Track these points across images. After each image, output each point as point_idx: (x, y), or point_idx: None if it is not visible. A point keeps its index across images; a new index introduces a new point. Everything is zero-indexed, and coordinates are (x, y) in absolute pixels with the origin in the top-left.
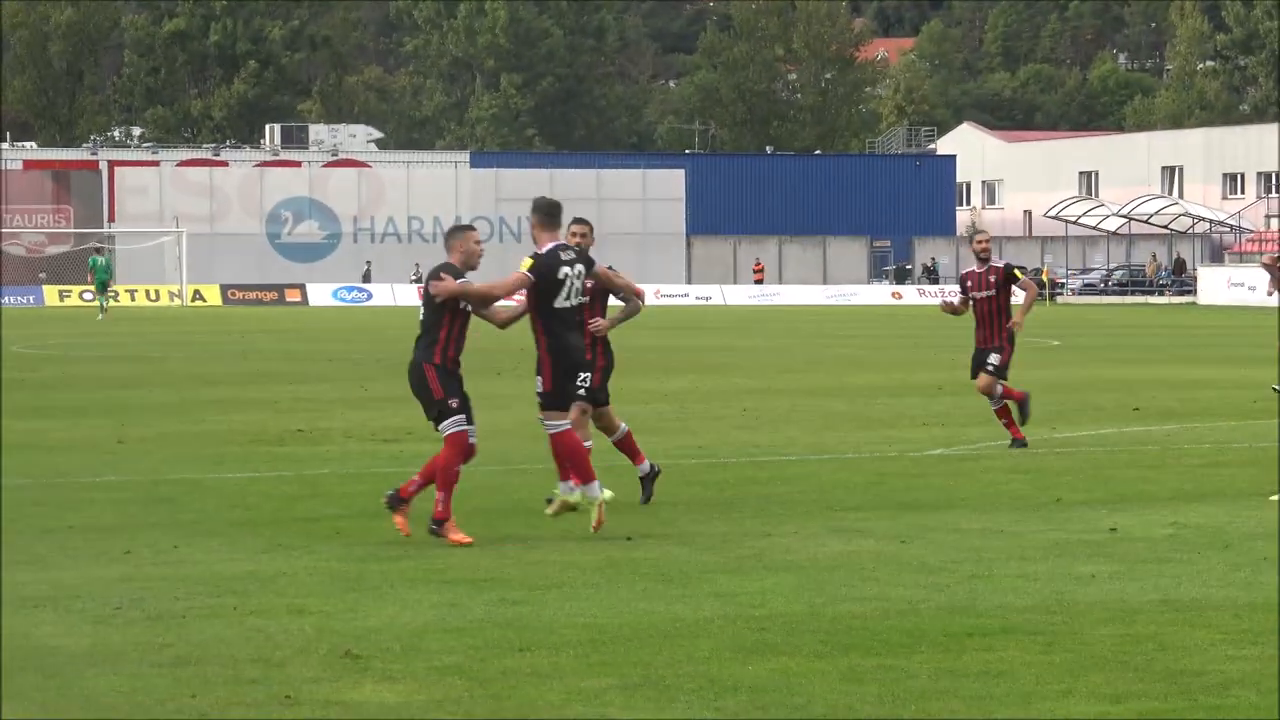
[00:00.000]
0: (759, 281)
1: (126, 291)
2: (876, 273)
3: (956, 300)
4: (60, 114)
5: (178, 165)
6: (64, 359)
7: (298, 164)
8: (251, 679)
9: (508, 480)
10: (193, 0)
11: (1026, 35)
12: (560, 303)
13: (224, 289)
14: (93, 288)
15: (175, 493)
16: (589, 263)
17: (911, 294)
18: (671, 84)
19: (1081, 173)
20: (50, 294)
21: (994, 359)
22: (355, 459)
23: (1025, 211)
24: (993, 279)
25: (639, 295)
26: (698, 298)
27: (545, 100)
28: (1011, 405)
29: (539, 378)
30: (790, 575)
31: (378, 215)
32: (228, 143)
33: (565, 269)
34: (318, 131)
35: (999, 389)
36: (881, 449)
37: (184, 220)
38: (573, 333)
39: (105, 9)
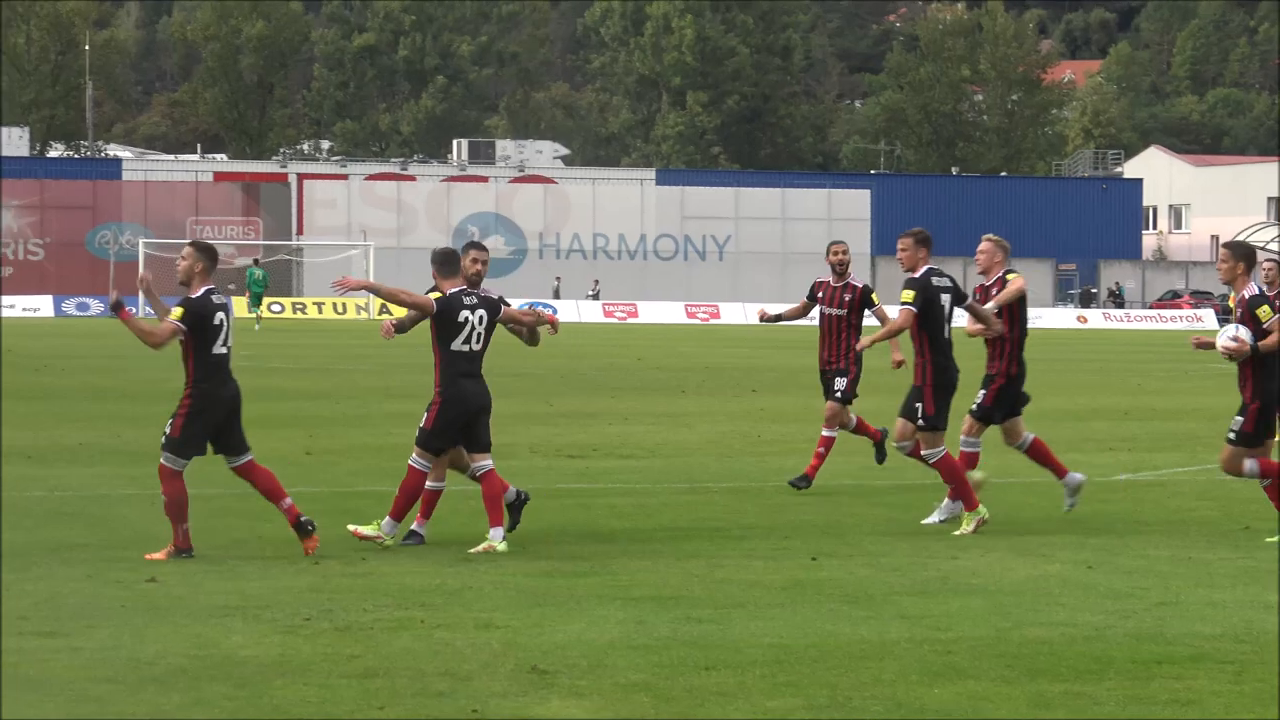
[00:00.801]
0: None
1: (314, 304)
2: (1062, 296)
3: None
4: (250, 127)
5: (366, 179)
6: (254, 370)
7: (484, 179)
8: (439, 692)
9: (693, 499)
10: (382, 15)
11: (1215, 59)
12: (458, 345)
13: None
14: (248, 299)
15: (362, 505)
16: (494, 308)
17: (1096, 318)
18: (857, 104)
19: (1270, 198)
20: (240, 305)
21: (840, 384)
22: (541, 474)
23: (1212, 236)
24: (848, 298)
25: (551, 322)
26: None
27: (731, 118)
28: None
29: (425, 414)
30: (976, 598)
31: (563, 231)
32: (415, 157)
33: (466, 312)
34: (504, 147)
35: (851, 419)
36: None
37: (371, 234)
38: (469, 379)
39: (296, 23)
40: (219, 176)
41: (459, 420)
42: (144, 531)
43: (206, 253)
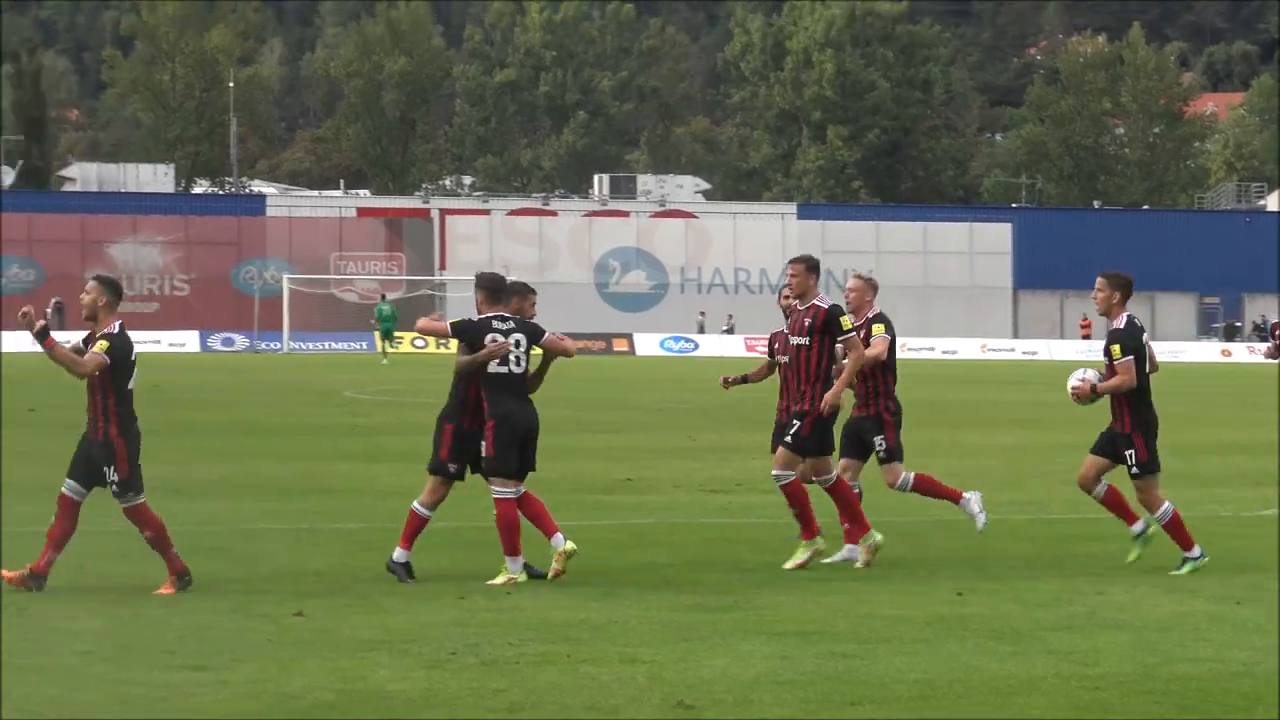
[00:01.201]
0: (1085, 337)
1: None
2: (1205, 329)
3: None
4: (393, 162)
5: (508, 214)
6: (395, 404)
7: (626, 214)
8: None
9: (836, 533)
10: (523, 51)
11: None
12: (495, 368)
13: None
14: (378, 334)
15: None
16: (533, 333)
17: (1241, 352)
18: (998, 137)
19: None
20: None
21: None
22: (684, 509)
23: None
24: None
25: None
26: (1024, 352)
27: (872, 152)
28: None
29: (483, 443)
30: (1123, 634)
31: (704, 266)
32: (557, 192)
33: (498, 336)
34: (645, 182)
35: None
36: (1212, 509)
37: (514, 269)
38: (515, 400)
39: (438, 59)
40: (362, 212)
41: (515, 440)
42: (289, 566)
43: (111, 287)
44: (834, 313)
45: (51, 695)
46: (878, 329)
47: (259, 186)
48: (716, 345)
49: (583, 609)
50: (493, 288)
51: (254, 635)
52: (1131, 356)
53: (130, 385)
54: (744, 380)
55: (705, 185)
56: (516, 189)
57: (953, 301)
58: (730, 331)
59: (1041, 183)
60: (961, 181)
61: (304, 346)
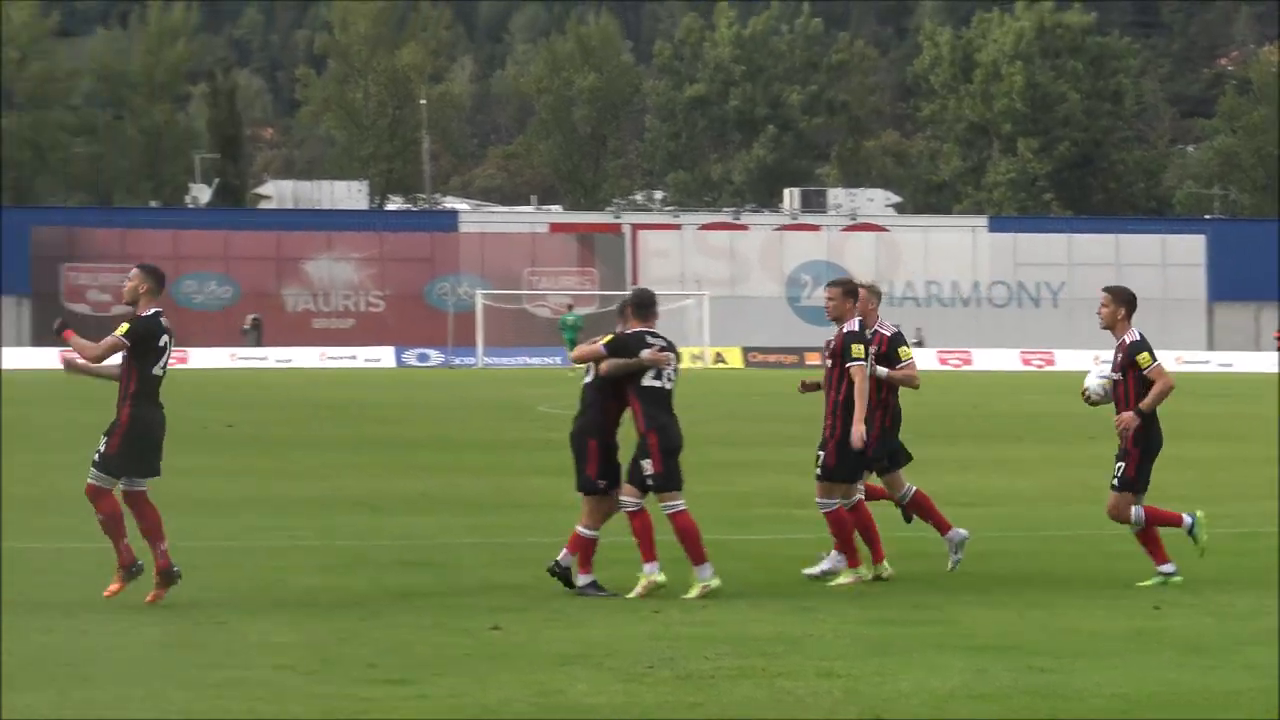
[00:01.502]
0: None
1: None
2: None
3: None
4: (584, 178)
5: (699, 229)
6: None
7: (816, 228)
8: None
9: (1033, 547)
10: (713, 66)
11: None
12: (650, 381)
13: (745, 351)
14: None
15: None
16: (675, 352)
17: None
18: (1190, 148)
19: None
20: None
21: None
22: (878, 522)
23: None
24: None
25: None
26: (1219, 365)
27: (1063, 164)
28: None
29: (647, 460)
30: None
31: (895, 279)
32: (748, 206)
33: (646, 351)
34: (836, 195)
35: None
36: None
37: (705, 283)
38: (665, 413)
39: (628, 75)
40: (554, 228)
41: (674, 454)
42: (487, 580)
43: (153, 275)
44: (895, 341)
45: (250, 708)
46: (905, 353)
47: (451, 203)
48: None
49: (778, 623)
50: (643, 303)
51: (453, 649)
52: (1160, 362)
53: (156, 370)
54: (818, 387)
55: (896, 198)
56: (707, 203)
57: (1145, 313)
58: (920, 344)
59: (1235, 194)
60: (1154, 193)
61: (498, 361)
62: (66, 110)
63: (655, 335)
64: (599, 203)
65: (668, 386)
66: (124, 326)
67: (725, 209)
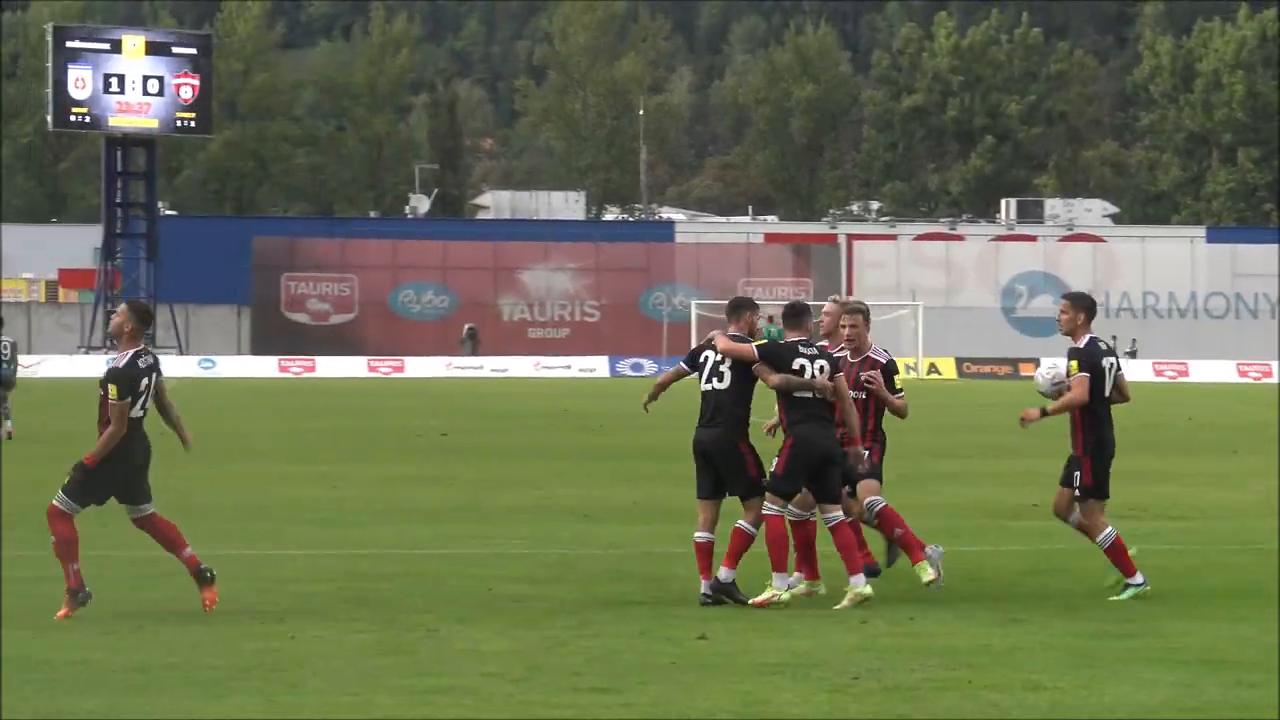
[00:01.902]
0: None
1: None
2: None
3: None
4: (801, 188)
5: (914, 239)
6: None
7: (1033, 239)
8: None
9: (1246, 560)
10: (930, 76)
11: None
12: (800, 392)
13: (958, 362)
14: None
15: (910, 565)
16: (835, 363)
17: None
18: None
19: None
20: None
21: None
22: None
23: None
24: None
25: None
26: None
27: None
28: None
29: (775, 459)
30: None
31: (1112, 289)
32: (964, 217)
33: (803, 361)
34: (1053, 206)
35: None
36: None
37: (920, 293)
38: (816, 423)
39: (845, 85)
40: (770, 238)
41: (810, 463)
42: (695, 589)
43: (139, 314)
44: (890, 369)
45: (456, 715)
46: (899, 382)
47: (668, 213)
48: (1145, 370)
49: (985, 635)
50: (795, 313)
51: (659, 658)
52: (1086, 374)
53: (136, 413)
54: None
55: (1113, 209)
56: (923, 214)
57: None
58: (1133, 355)
59: None
60: None
61: None
62: (289, 121)
63: (808, 344)
64: (815, 213)
65: (818, 396)
66: (113, 390)
67: (941, 219)
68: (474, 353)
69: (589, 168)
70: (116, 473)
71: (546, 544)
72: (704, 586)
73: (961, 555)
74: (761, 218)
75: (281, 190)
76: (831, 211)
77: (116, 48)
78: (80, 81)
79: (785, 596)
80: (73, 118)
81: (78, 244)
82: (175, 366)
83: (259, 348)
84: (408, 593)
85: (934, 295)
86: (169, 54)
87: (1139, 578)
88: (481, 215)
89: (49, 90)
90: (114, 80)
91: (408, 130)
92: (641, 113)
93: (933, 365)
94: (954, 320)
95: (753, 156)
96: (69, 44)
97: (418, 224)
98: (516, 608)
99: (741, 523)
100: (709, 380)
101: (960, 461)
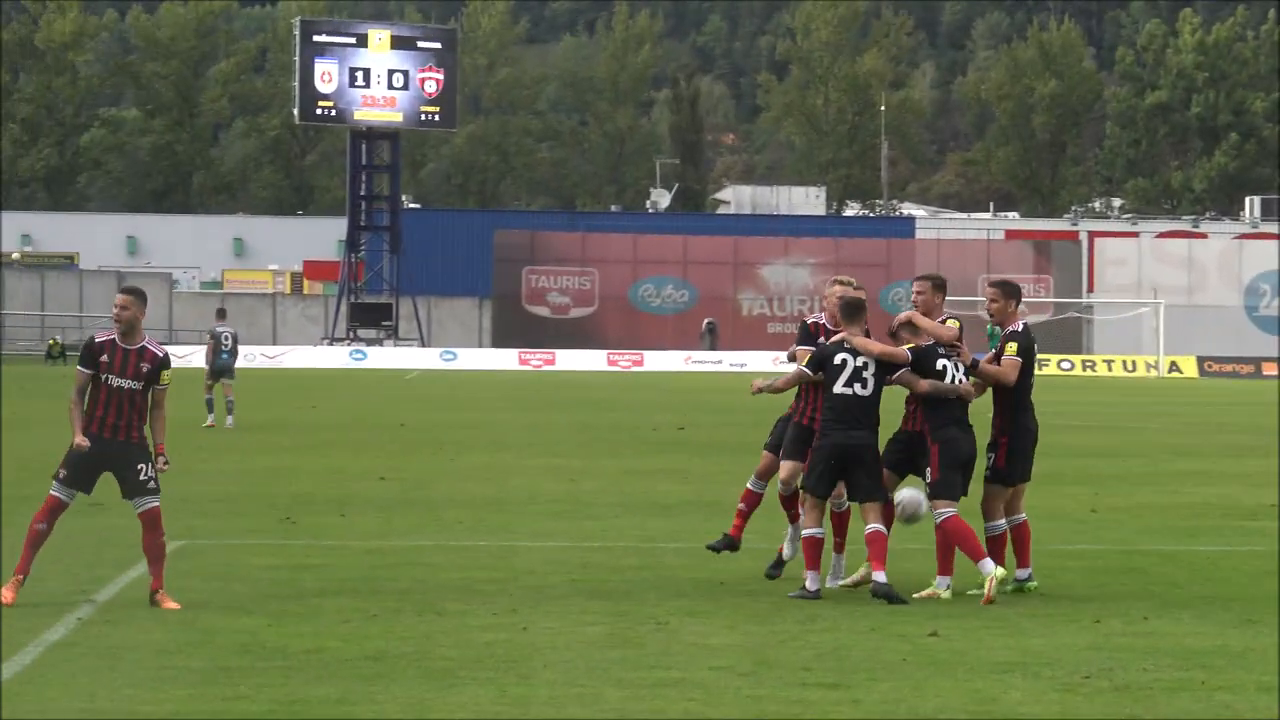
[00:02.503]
0: None
1: (1104, 361)
2: None
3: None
4: (1042, 184)
5: (1156, 237)
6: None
7: (1277, 237)
8: None
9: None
10: (1175, 72)
11: None
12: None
13: (1200, 360)
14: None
15: (1147, 564)
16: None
17: None
18: None
19: None
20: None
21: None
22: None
23: None
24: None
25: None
26: None
27: None
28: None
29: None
30: None
31: None
32: (1207, 214)
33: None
34: None
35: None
36: None
37: (1161, 292)
38: (954, 424)
39: (1089, 81)
40: (1010, 234)
41: (959, 463)
42: (927, 585)
43: (141, 299)
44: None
45: (684, 708)
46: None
47: (909, 209)
48: None
49: (1220, 635)
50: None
51: (889, 654)
52: (1020, 359)
53: (837, 389)
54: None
55: None
56: (1166, 211)
57: None
58: None
59: None
60: None
61: None
62: (532, 116)
63: (938, 346)
64: (1056, 209)
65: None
66: (166, 375)
67: (1184, 217)
68: (713, 347)
69: (830, 163)
70: (97, 459)
71: (779, 539)
72: (812, 581)
73: (1199, 555)
74: (1002, 214)
75: (524, 184)
76: (1073, 208)
77: (362, 42)
78: (326, 75)
79: (946, 595)
80: (319, 111)
81: (322, 236)
82: (416, 358)
83: (499, 340)
84: (640, 586)
85: (1175, 293)
86: (414, 48)
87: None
88: (722, 210)
89: (295, 84)
90: (359, 74)
91: (649, 125)
92: (883, 108)
93: (1174, 364)
94: (1196, 318)
95: (994, 152)
96: (315, 38)
97: (658, 218)
98: (747, 602)
99: (876, 525)
100: (850, 384)
101: (1200, 460)
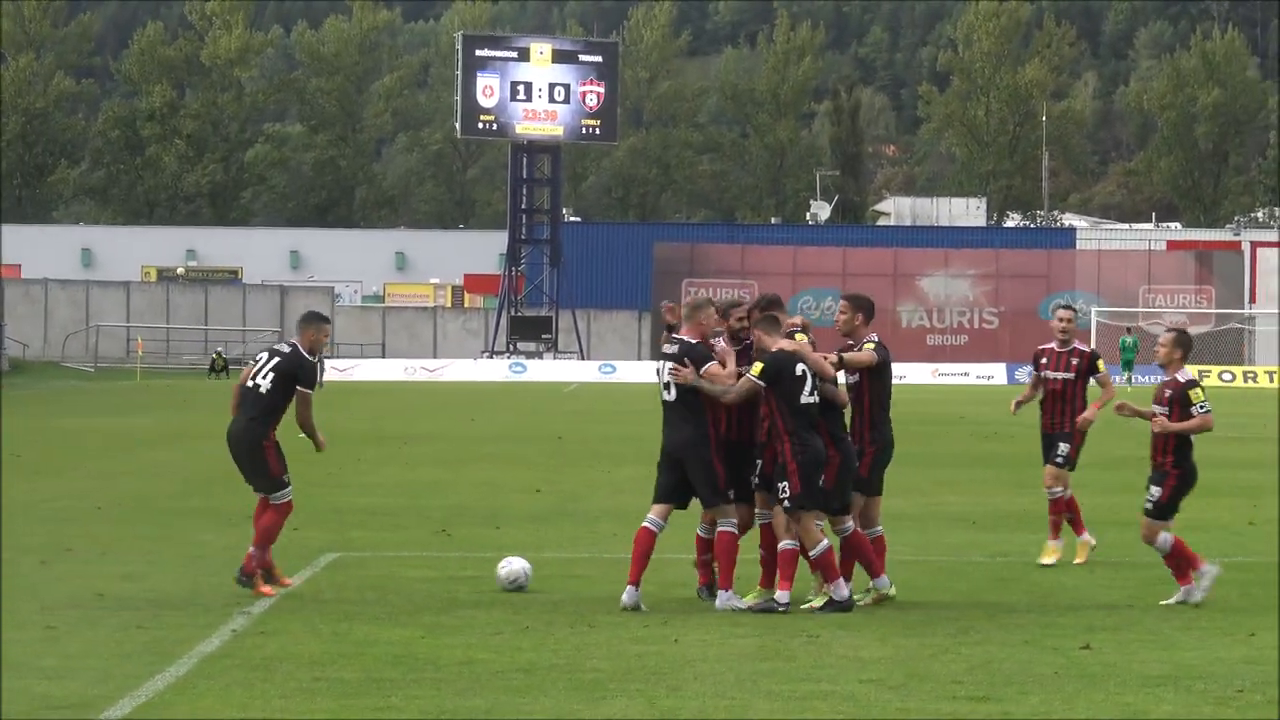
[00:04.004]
0: None
1: (1265, 373)
2: None
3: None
4: (1205, 194)
5: None
6: (1200, 438)
7: None
8: None
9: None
10: None
11: None
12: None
13: None
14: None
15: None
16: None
17: None
18: None
19: None
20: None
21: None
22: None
23: None
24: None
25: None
26: None
27: None
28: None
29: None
30: None
31: None
32: None
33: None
34: None
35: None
36: None
37: None
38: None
39: (1252, 90)
40: (1171, 245)
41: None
42: (1082, 598)
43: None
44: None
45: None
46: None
47: (1070, 219)
48: None
49: None
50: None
51: (1041, 667)
52: (878, 357)
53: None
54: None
55: None
56: None
57: None
58: None
59: None
60: None
61: (1141, 380)
62: (693, 128)
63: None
64: (1218, 220)
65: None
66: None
67: None
68: None
69: (990, 174)
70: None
71: (932, 551)
72: (838, 590)
73: None
74: (1164, 225)
75: (684, 196)
76: (1236, 218)
77: (524, 55)
78: (488, 89)
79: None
80: (480, 125)
81: (483, 250)
82: (575, 371)
83: (659, 353)
84: (792, 598)
85: None
86: (576, 62)
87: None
88: (882, 221)
89: (458, 98)
90: (521, 87)
91: (810, 137)
92: (1044, 119)
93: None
94: None
95: (1156, 163)
96: (478, 52)
97: (818, 230)
98: (898, 614)
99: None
100: (811, 394)
101: None
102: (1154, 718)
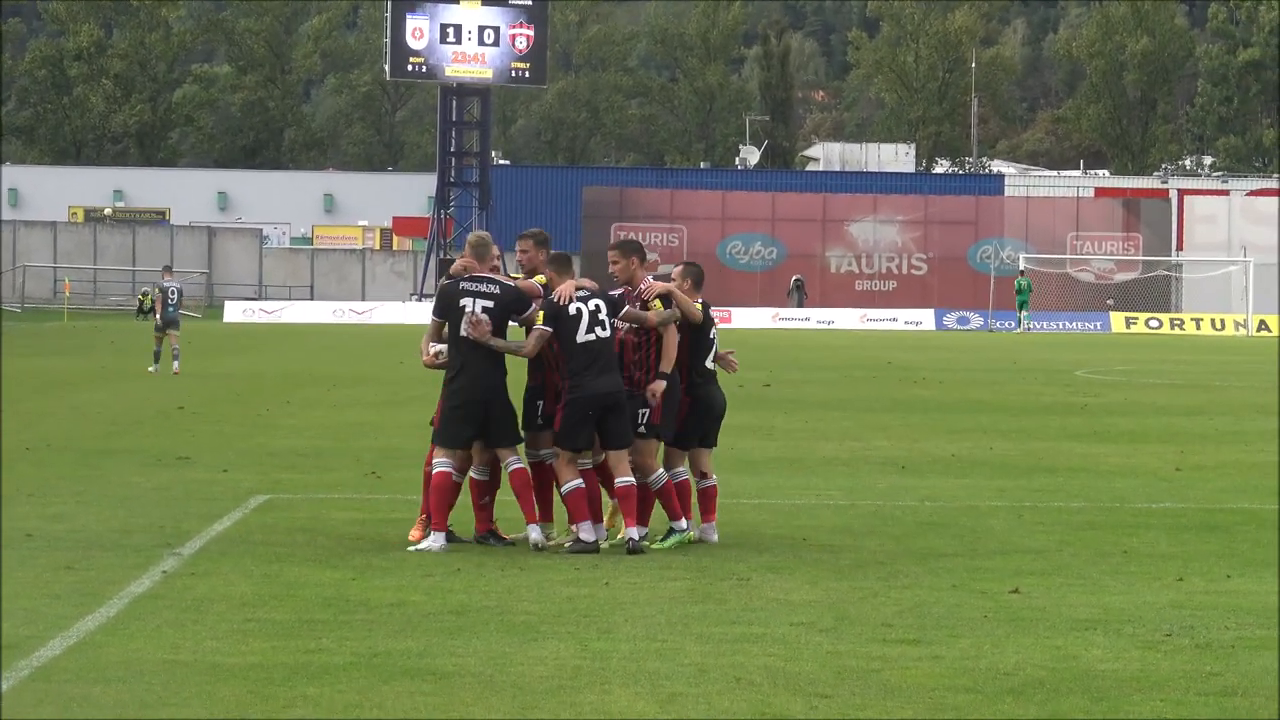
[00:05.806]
0: None
1: (1192, 320)
2: None
3: None
4: (1132, 142)
5: (1247, 195)
6: (1127, 385)
7: None
8: None
9: None
10: (1267, 30)
11: None
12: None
13: None
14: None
15: (1231, 521)
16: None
17: None
18: None
19: None
20: (1116, 320)
21: None
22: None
23: None
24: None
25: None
26: None
27: None
28: None
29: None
30: None
31: None
32: None
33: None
34: None
35: None
36: None
37: (1251, 250)
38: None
39: (1180, 39)
40: (1099, 192)
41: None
42: (1010, 543)
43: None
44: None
45: (765, 664)
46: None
47: (998, 166)
48: None
49: None
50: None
51: (970, 611)
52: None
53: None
54: None
55: None
56: (1257, 169)
57: None
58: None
59: None
60: None
61: (1039, 326)
62: (622, 72)
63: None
64: (1146, 167)
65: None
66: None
67: (1276, 175)
68: (801, 304)
69: (919, 120)
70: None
71: (863, 495)
72: (587, 531)
73: None
74: (1092, 172)
75: (613, 140)
76: (1164, 166)
77: None
78: (417, 31)
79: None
80: (409, 67)
81: (412, 193)
82: None
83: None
84: (722, 542)
85: (1265, 252)
86: (505, 4)
87: (684, 523)
88: (811, 167)
89: (387, 40)
90: (450, 30)
91: (739, 82)
92: (974, 65)
93: (1262, 322)
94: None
95: (1085, 110)
96: None
97: (747, 175)
98: (829, 558)
99: (628, 478)
100: (590, 330)
101: None
102: (1083, 661)
